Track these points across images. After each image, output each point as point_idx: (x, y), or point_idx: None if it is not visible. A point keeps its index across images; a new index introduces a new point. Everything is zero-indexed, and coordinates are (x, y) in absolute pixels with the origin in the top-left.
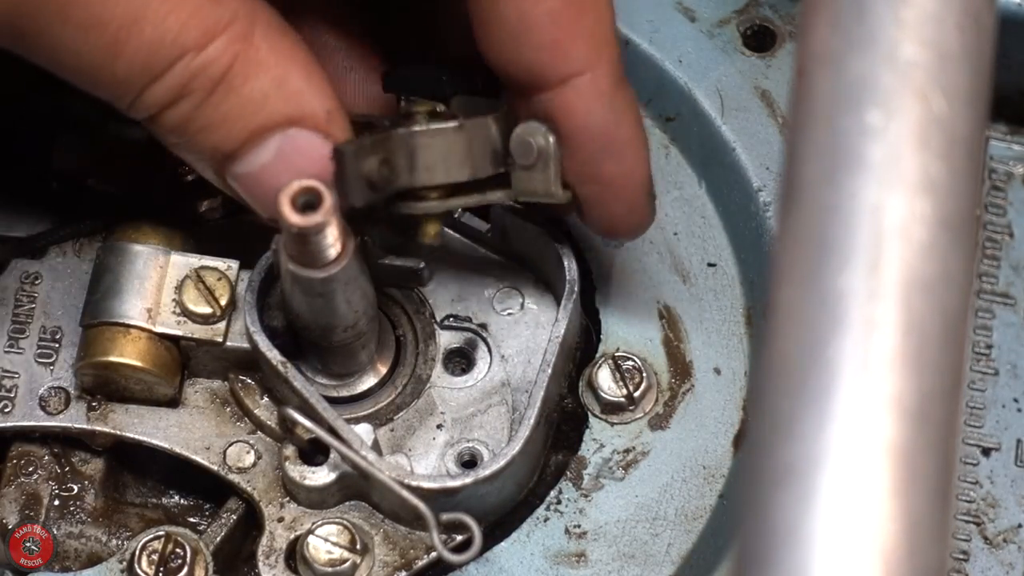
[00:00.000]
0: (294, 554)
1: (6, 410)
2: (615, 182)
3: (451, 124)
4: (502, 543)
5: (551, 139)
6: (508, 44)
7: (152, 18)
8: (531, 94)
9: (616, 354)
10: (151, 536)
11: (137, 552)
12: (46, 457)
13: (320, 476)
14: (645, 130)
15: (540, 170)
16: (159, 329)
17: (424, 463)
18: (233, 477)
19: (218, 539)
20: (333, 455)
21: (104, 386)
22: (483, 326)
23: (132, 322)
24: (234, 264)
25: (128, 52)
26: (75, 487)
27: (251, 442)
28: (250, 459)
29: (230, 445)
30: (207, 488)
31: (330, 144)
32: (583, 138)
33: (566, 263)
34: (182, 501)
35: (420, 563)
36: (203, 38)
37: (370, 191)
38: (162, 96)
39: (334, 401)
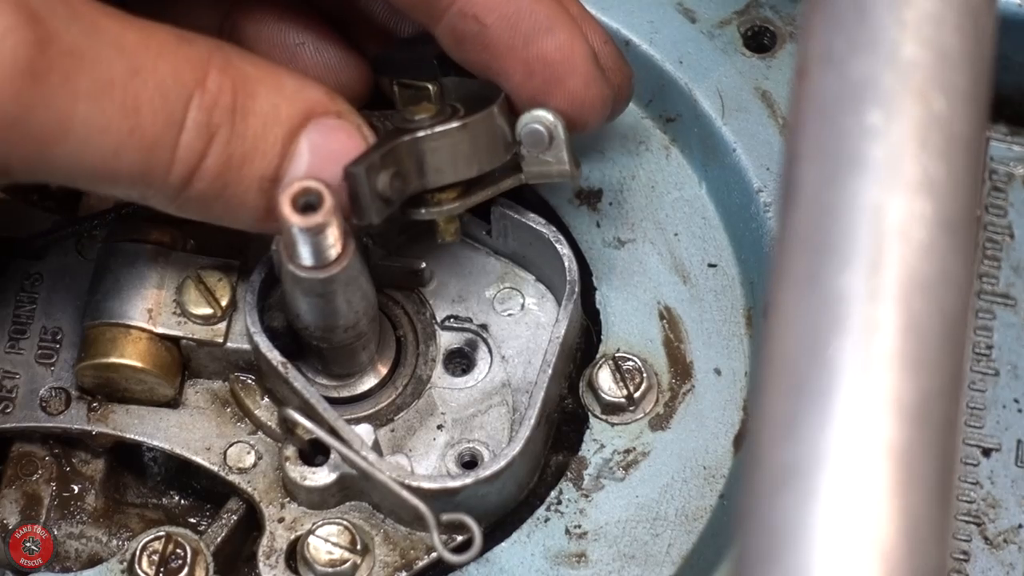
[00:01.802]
0: (295, 554)
1: (7, 411)
2: (558, 56)
3: (454, 124)
4: (502, 543)
5: (559, 122)
6: None
7: (148, 66)
8: (444, 7)
9: (616, 355)
10: (151, 536)
11: (138, 552)
12: (47, 458)
13: (320, 477)
14: (575, 10)
15: (553, 153)
16: (160, 330)
17: (425, 463)
18: (233, 478)
19: (219, 539)
20: (333, 456)
21: (105, 387)
22: (483, 327)
23: (133, 323)
24: (235, 265)
25: (145, 105)
26: (76, 487)
27: (251, 443)
28: (250, 459)
29: (230, 446)
30: (207, 489)
31: (344, 122)
32: (514, 23)
33: (566, 264)
34: (182, 501)
35: (420, 563)
36: (198, 74)
37: (385, 206)
38: (196, 143)
39: (334, 402)
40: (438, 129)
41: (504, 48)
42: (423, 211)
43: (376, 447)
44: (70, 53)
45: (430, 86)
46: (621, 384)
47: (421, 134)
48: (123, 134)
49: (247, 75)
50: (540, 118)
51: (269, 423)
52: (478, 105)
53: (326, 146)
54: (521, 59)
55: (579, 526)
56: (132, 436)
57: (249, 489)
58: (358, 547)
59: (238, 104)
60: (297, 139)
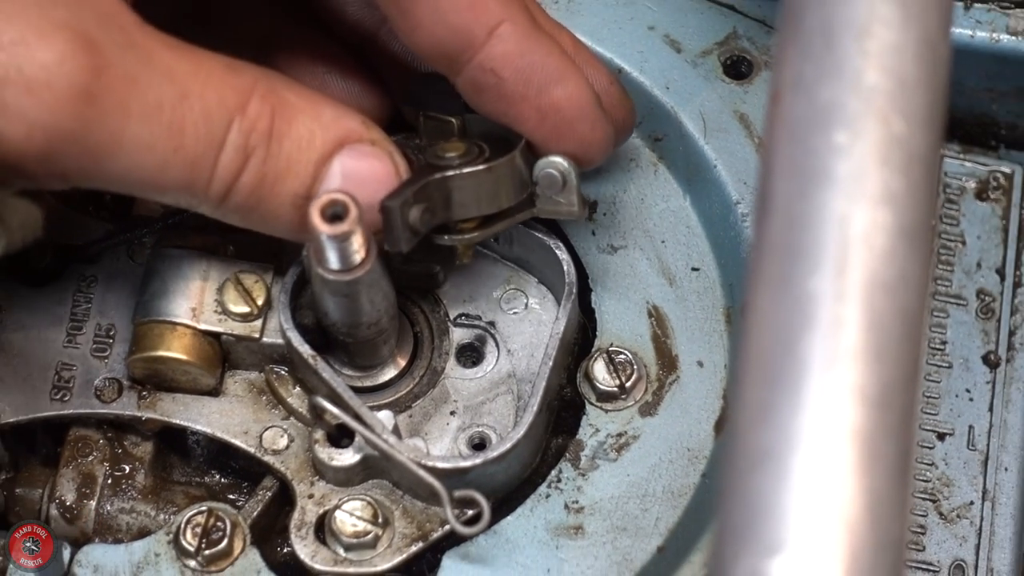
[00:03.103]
0: (323, 527)
1: (64, 399)
2: (569, 103)
3: (481, 167)
4: (508, 517)
5: (572, 169)
6: (430, 17)
7: (196, 92)
8: (464, 62)
9: (610, 348)
10: (195, 511)
11: (182, 525)
12: (101, 441)
13: (346, 457)
14: (583, 57)
15: (565, 195)
16: (202, 326)
17: (439, 446)
18: (268, 458)
19: (255, 514)
20: (358, 439)
21: (153, 377)
22: (491, 324)
23: (178, 320)
24: (269, 268)
25: (189, 129)
26: (127, 467)
27: (284, 427)
28: (283, 442)
29: (266, 430)
30: (245, 468)
31: (376, 148)
32: (528, 75)
33: (565, 268)
34: (222, 480)
35: (435, 535)
36: (241, 100)
37: (414, 236)
38: (233, 161)
39: (359, 390)
40: (467, 170)
41: (519, 98)
42: (446, 238)
43: (396, 431)
44: (124, 78)
45: (454, 120)
46: (614, 375)
47: (451, 173)
48: (168, 152)
49: (287, 103)
50: (556, 164)
51: (300, 410)
52: (500, 144)
53: (357, 169)
54: (535, 107)
55: (576, 502)
56: (178, 421)
57: (282, 469)
58: (380, 520)
59: (275, 129)
60: (330, 162)
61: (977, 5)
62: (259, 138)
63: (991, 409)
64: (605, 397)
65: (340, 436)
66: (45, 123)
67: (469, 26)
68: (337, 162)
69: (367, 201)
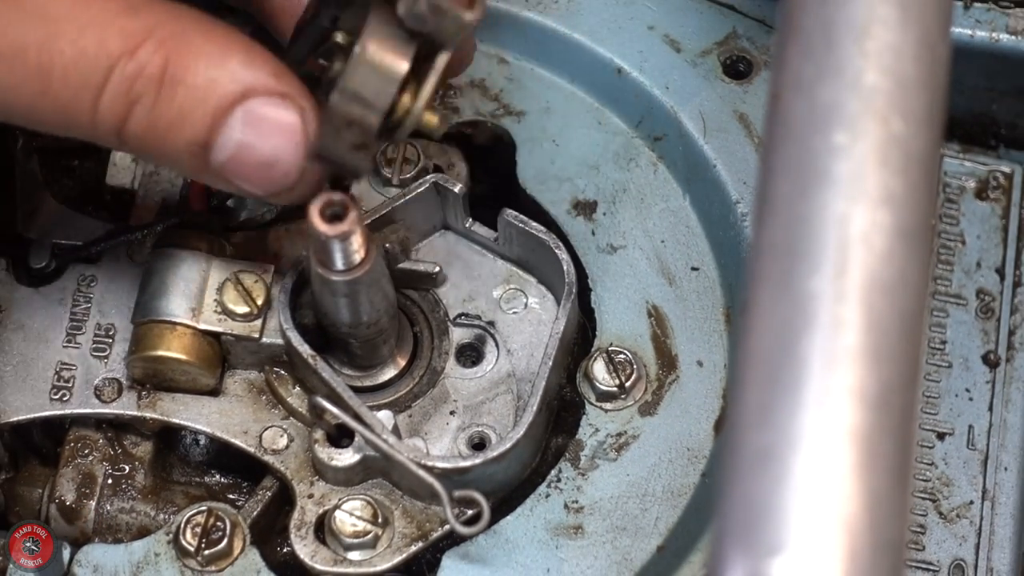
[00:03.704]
0: (323, 527)
1: (64, 399)
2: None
3: (355, 50)
4: (508, 517)
5: None
6: None
7: (68, 37)
8: None
9: (610, 348)
10: (195, 511)
11: (182, 525)
12: (100, 440)
13: (346, 457)
14: None
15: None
16: (202, 326)
17: (439, 445)
18: (268, 458)
19: (254, 513)
20: (357, 438)
21: (153, 377)
22: (491, 323)
23: (178, 320)
24: (269, 268)
25: (57, 72)
26: (127, 467)
27: (284, 427)
28: (283, 442)
29: (265, 430)
30: (245, 468)
31: (285, 102)
32: None
33: (565, 267)
34: (222, 480)
35: (435, 534)
36: (129, 44)
37: (366, 151)
38: (114, 105)
39: (358, 390)
40: (350, 65)
41: None
42: (400, 131)
43: (396, 431)
44: None
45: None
46: (614, 375)
47: (340, 88)
48: (35, 94)
49: (190, 48)
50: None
51: (300, 409)
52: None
53: (259, 124)
54: None
55: (576, 501)
56: (177, 421)
57: (282, 468)
58: (379, 520)
59: (168, 75)
60: (231, 112)
61: (977, 5)
62: (146, 84)
63: (991, 409)
64: (605, 397)
65: (340, 436)
66: None
67: None
68: (239, 113)
69: (271, 154)
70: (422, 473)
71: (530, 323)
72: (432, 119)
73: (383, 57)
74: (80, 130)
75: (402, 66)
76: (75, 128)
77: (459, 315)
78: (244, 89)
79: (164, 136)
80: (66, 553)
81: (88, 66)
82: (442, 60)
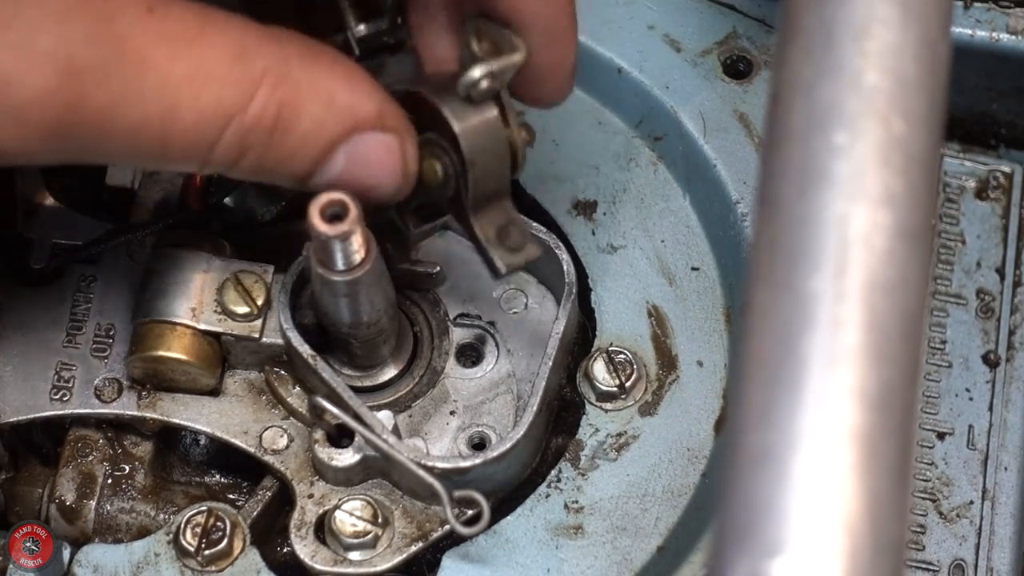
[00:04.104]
0: (323, 527)
1: (64, 399)
2: (549, 65)
3: (466, 156)
4: (508, 517)
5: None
6: None
7: (187, 103)
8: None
9: (610, 348)
10: (195, 511)
11: (182, 525)
12: (100, 440)
13: (346, 457)
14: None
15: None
16: (202, 326)
17: (439, 446)
18: (268, 458)
19: (255, 514)
20: (357, 438)
21: (153, 377)
22: (491, 323)
23: (178, 320)
24: (269, 268)
25: (177, 135)
26: (127, 467)
27: (284, 427)
28: (283, 442)
29: (265, 430)
30: (245, 468)
31: (387, 136)
32: (531, 27)
33: (565, 268)
34: (222, 480)
35: (435, 535)
36: (243, 98)
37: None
38: (227, 155)
39: (358, 390)
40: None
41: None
42: (518, 167)
43: (396, 431)
44: (104, 106)
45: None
46: (614, 375)
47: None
48: (154, 156)
49: (299, 89)
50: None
51: (300, 409)
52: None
53: (361, 159)
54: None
55: (576, 501)
56: (177, 421)
57: (282, 469)
58: (379, 520)
59: (280, 123)
60: (336, 150)
61: (977, 4)
62: (261, 135)
63: (991, 408)
64: (605, 397)
65: (340, 436)
66: (22, 150)
67: None
68: (343, 149)
69: (371, 183)
70: (422, 473)
71: (530, 323)
72: (530, 137)
73: (486, 143)
74: (187, 169)
75: (503, 135)
76: (174, 168)
77: (459, 315)
78: (348, 128)
79: (270, 171)
80: (66, 553)
81: (206, 125)
82: (505, 96)
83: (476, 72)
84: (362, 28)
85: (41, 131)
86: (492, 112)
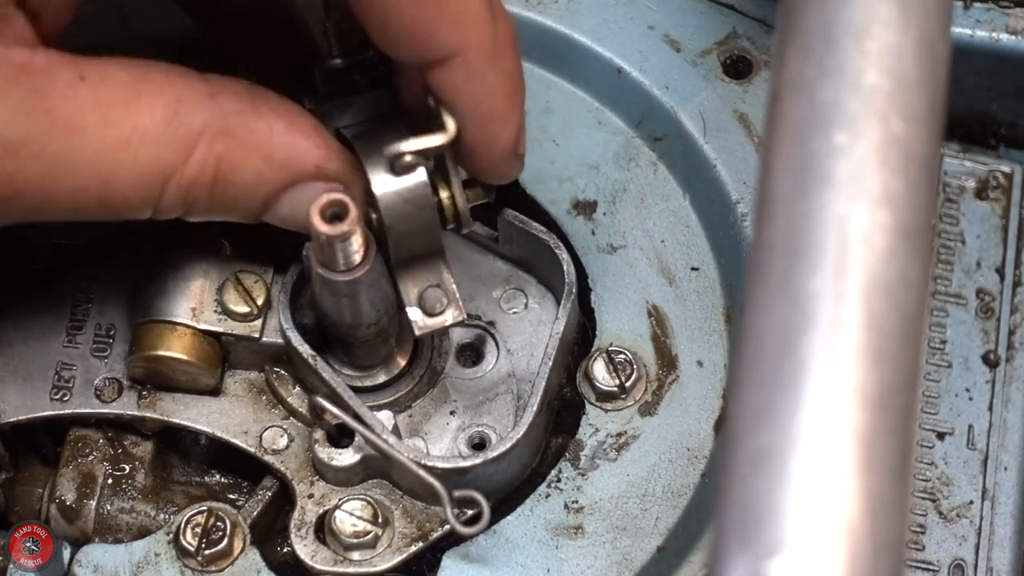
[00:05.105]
0: (323, 526)
1: (64, 398)
2: (480, 145)
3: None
4: (508, 517)
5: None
6: (386, 40)
7: (125, 166)
8: (422, 73)
9: (610, 348)
10: (195, 511)
11: (182, 525)
12: (100, 440)
13: (346, 457)
14: (521, 93)
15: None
16: (202, 326)
17: (439, 445)
18: (268, 458)
19: (255, 513)
20: (358, 438)
21: (153, 377)
22: (491, 323)
23: (178, 320)
24: (269, 269)
25: (117, 197)
26: (127, 467)
27: (284, 427)
28: (283, 442)
29: (266, 430)
30: (245, 468)
31: (328, 186)
32: (458, 109)
33: (565, 267)
34: (222, 480)
35: (435, 534)
36: (180, 157)
37: None
38: (173, 208)
39: (358, 390)
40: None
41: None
42: (463, 223)
43: (396, 431)
44: (40, 178)
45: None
46: (614, 375)
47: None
48: (95, 213)
49: (238, 143)
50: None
51: (300, 409)
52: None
53: (305, 204)
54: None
55: (576, 501)
56: (178, 421)
57: (282, 468)
58: (380, 520)
59: (220, 177)
60: (278, 199)
61: (977, 4)
62: (201, 190)
63: (991, 408)
64: (605, 397)
65: (340, 436)
66: None
67: (416, 58)
68: (286, 198)
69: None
70: (422, 473)
71: (530, 323)
72: (480, 196)
73: (408, 208)
74: (139, 219)
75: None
76: (135, 219)
77: None
78: (288, 179)
79: (221, 215)
80: (66, 553)
81: (145, 185)
82: (450, 158)
83: (399, 148)
84: (338, 60)
85: None
86: (419, 179)
